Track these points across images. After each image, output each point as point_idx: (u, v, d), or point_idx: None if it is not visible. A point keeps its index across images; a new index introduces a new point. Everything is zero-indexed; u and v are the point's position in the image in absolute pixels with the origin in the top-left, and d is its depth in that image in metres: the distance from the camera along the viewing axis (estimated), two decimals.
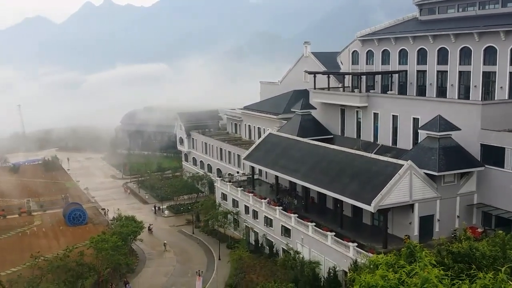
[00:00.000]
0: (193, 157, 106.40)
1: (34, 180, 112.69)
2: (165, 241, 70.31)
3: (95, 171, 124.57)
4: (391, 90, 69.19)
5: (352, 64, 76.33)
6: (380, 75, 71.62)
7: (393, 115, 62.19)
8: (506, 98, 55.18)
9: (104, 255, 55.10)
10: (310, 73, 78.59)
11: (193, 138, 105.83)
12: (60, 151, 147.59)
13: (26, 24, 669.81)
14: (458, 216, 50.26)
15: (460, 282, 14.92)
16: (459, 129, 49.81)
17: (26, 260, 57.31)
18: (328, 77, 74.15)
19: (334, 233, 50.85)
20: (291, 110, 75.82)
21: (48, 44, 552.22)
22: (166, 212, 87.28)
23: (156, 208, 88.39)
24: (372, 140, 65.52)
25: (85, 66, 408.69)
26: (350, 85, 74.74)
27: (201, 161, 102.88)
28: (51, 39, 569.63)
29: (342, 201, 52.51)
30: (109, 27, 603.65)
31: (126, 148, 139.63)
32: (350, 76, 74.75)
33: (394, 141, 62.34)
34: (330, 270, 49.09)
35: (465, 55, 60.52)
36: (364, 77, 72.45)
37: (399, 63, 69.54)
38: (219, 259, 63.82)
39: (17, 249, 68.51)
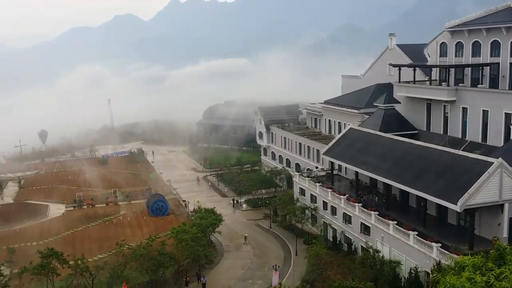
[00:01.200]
0: (272, 152, 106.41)
1: (120, 171, 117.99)
2: (246, 234, 70.86)
3: (177, 164, 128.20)
4: (481, 83, 65.00)
5: (440, 56, 72.41)
6: (470, 68, 67.40)
7: (483, 110, 58.74)
8: None
9: (184, 246, 56.29)
10: (395, 66, 75.74)
11: (272, 133, 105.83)
12: (145, 144, 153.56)
13: (116, 22, 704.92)
14: None
15: None
16: None
17: (112, 248, 59.81)
18: (414, 70, 71.23)
19: (416, 233, 48.88)
20: (374, 104, 73.67)
21: (136, 40, 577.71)
22: (244, 205, 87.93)
23: (235, 201, 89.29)
24: (460, 136, 62.22)
25: (170, 61, 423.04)
26: (437, 79, 71.14)
27: (279, 156, 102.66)
28: (139, 35, 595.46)
29: (426, 199, 50.14)
30: (193, 23, 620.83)
31: (206, 142, 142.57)
32: (438, 69, 71.08)
33: (484, 137, 58.96)
34: (412, 271, 47.32)
35: None
36: (452, 70, 68.53)
37: (491, 55, 64.94)
38: (296, 254, 63.20)
39: (104, 237, 71.87)
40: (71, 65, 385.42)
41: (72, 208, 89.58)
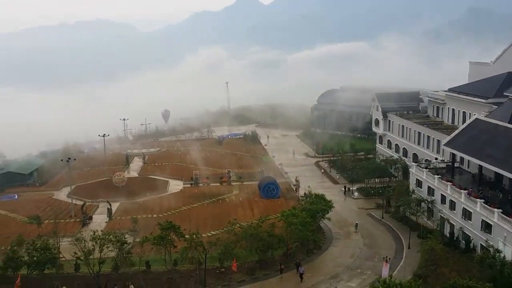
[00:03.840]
0: (388, 140, 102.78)
1: (235, 152, 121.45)
2: (357, 222, 69.63)
3: (289, 147, 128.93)
4: None
5: None
6: None
7: None
8: None
9: (293, 229, 56.61)
10: None
11: (389, 120, 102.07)
12: (259, 127, 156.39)
13: (237, 6, 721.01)
14: None
15: None
16: None
17: (224, 226, 61.91)
18: None
19: None
20: (504, 94, 67.98)
21: (256, 24, 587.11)
22: (356, 194, 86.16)
23: (346, 189, 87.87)
24: None
25: (287, 45, 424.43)
26: None
27: (396, 145, 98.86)
28: (259, 19, 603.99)
29: None
30: (312, 7, 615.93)
31: (320, 127, 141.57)
32: None
33: None
34: None
35: None
36: None
37: None
38: (409, 247, 60.73)
39: (217, 214, 74.56)
40: (193, 49, 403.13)
41: (189, 185, 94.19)
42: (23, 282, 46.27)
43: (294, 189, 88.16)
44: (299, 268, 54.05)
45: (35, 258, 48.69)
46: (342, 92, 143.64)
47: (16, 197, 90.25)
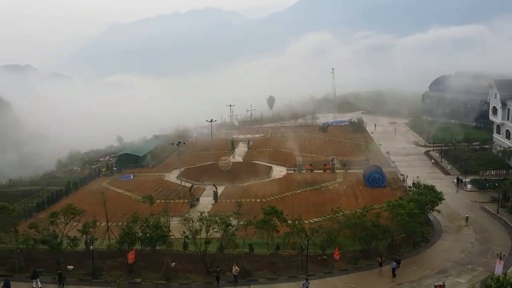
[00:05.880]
0: (507, 130, 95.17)
1: (339, 140, 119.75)
2: (467, 215, 65.57)
3: (397, 136, 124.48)
4: None
5: None
6: None
7: None
8: None
9: (399, 220, 54.55)
10: None
11: (509, 109, 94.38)
12: (365, 114, 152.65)
13: None
14: None
15: None
16: None
17: (327, 213, 61.29)
18: None
19: None
20: None
21: (366, 7, 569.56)
22: (469, 186, 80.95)
23: (459, 180, 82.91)
24: None
25: (398, 29, 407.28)
26: None
27: None
28: (368, 2, 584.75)
29: None
30: None
31: (431, 115, 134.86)
32: None
33: None
34: None
35: None
36: None
37: None
38: None
39: (319, 201, 74.07)
40: (299, 35, 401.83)
41: (292, 172, 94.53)
42: (137, 256, 49.38)
43: (401, 179, 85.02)
44: (393, 263, 51.24)
45: (147, 235, 51.67)
46: (457, 78, 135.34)
47: (132, 177, 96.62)
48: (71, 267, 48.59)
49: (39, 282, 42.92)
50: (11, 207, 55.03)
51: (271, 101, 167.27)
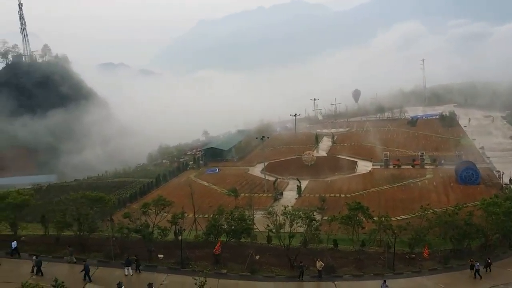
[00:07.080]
0: None
1: (429, 134, 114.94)
2: None
3: (493, 130, 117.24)
4: None
5: None
6: None
7: None
8: None
9: (494, 220, 51.26)
10: None
11: None
12: (457, 107, 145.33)
13: None
14: None
15: None
16: None
17: (415, 210, 59.01)
18: None
19: None
20: None
21: None
22: None
23: None
24: None
25: (496, 16, 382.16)
26: None
27: None
28: None
29: None
30: None
31: None
32: None
33: None
34: None
35: None
36: None
37: None
38: None
39: (407, 198, 71.58)
40: (387, 26, 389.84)
41: (378, 167, 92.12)
42: (223, 248, 50.43)
43: (497, 176, 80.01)
44: (477, 263, 47.80)
45: (232, 227, 52.61)
46: None
47: (217, 170, 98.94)
48: (162, 255, 50.53)
49: (130, 270, 44.96)
50: (108, 198, 58.03)
51: (356, 94, 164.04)
